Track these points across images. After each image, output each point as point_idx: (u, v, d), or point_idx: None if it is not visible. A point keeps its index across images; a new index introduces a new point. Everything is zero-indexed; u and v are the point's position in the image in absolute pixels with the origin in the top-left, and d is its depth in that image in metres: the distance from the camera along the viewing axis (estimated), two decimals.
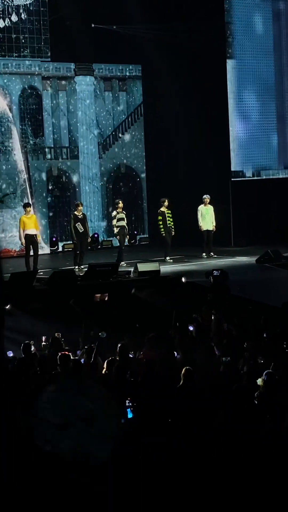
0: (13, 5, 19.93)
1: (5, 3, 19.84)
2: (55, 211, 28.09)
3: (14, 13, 20.08)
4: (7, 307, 16.00)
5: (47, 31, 26.77)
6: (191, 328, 14.06)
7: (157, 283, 18.54)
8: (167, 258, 22.35)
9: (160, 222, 22.67)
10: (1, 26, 21.15)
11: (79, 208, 21.97)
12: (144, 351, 12.37)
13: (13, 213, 26.06)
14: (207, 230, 23.15)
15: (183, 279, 18.54)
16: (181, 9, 25.83)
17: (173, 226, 22.55)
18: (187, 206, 24.03)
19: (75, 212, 21.86)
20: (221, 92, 26.52)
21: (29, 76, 27.14)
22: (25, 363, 11.21)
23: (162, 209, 22.73)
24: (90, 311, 16.34)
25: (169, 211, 22.71)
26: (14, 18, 20.13)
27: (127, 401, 8.52)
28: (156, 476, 6.01)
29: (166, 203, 22.71)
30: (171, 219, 22.66)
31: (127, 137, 30.07)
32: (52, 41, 26.88)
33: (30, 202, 24.96)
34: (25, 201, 25.37)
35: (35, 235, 21.10)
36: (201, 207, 23.24)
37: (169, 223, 22.59)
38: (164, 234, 22.58)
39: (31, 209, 21.65)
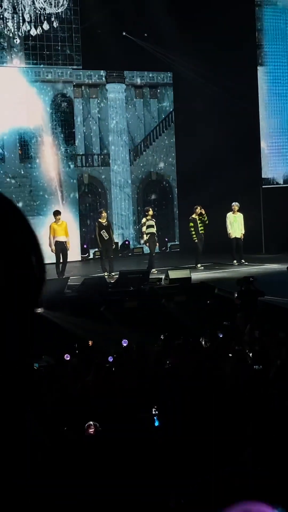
0: (45, 14, 20.02)
1: (37, 11, 19.94)
2: (86, 218, 28.18)
3: (46, 21, 20.16)
4: (39, 310, 16.07)
5: (79, 39, 26.91)
6: (221, 336, 14.02)
7: (188, 290, 18.50)
8: (199, 265, 22.32)
9: (192, 229, 22.65)
10: (33, 35, 21.26)
11: (103, 215, 22.02)
12: (171, 358, 12.35)
13: (45, 220, 26.18)
14: (236, 238, 23.08)
15: (216, 290, 18.46)
16: (212, 16, 25.80)
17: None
18: (218, 213, 23.98)
19: (100, 220, 21.92)
20: (252, 98, 26.47)
21: (60, 84, 27.28)
22: (57, 370, 11.24)
23: (194, 216, 22.72)
24: (120, 318, 16.36)
25: (204, 218, 22.66)
26: (46, 26, 20.22)
27: (153, 409, 8.51)
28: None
29: (198, 210, 22.69)
30: (203, 226, 22.64)
31: (158, 144, 30.11)
32: (84, 49, 27.02)
33: (61, 209, 25.05)
34: (56, 208, 25.49)
35: (65, 242, 21.17)
36: (230, 215, 23.20)
37: (201, 230, 22.57)
38: (196, 241, 22.56)
39: (61, 216, 21.72)
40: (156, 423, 8.34)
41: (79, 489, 5.11)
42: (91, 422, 7.58)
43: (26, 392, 1.36)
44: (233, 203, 23.27)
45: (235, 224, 23.14)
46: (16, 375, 1.31)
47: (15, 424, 1.35)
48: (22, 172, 26.65)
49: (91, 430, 7.45)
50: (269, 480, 6.00)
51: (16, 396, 1.34)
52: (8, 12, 19.97)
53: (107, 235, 21.57)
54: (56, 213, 21.70)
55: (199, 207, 22.75)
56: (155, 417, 8.35)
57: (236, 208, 23.22)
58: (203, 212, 22.67)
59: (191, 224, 22.75)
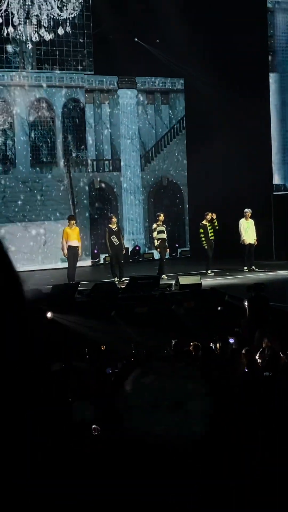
0: (58, 19, 20.08)
1: (49, 16, 19.99)
2: (97, 223, 28.20)
3: (58, 27, 20.22)
4: (48, 315, 16.10)
5: (91, 45, 26.97)
6: (231, 341, 14.00)
7: (199, 296, 18.47)
8: (209, 271, 22.29)
9: (202, 235, 22.62)
10: (46, 40, 21.32)
11: (113, 220, 22.01)
12: (181, 364, 12.33)
13: (55, 225, 26.24)
14: (250, 244, 23.01)
15: (226, 297, 18.42)
16: (224, 22, 25.81)
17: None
18: (229, 219, 23.94)
19: (110, 225, 21.92)
20: (263, 105, 26.46)
21: (72, 89, 27.34)
22: (65, 374, 11.23)
23: (204, 222, 22.70)
24: (131, 324, 16.35)
25: (215, 223, 22.63)
26: (58, 31, 20.28)
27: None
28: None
29: (208, 217, 22.67)
30: (213, 232, 22.60)
31: (169, 150, 30.12)
32: (96, 54, 27.08)
33: (73, 214, 25.08)
34: (67, 213, 25.54)
35: (78, 247, 21.20)
36: (243, 221, 23.10)
37: (211, 236, 22.54)
38: (206, 247, 22.53)
39: (75, 221, 21.75)
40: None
41: (79, 489, 5.10)
42: (95, 426, 7.54)
43: (27, 392, 1.35)
44: (246, 209, 23.16)
45: (249, 231, 23.06)
46: (16, 375, 1.31)
47: (15, 423, 1.34)
48: (33, 177, 26.70)
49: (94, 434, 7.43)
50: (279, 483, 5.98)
51: (16, 396, 1.33)
52: (21, 18, 20.02)
53: (117, 241, 21.57)
54: (71, 218, 21.74)
55: (210, 213, 22.72)
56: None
57: (249, 214, 23.13)
58: (214, 217, 22.64)
59: (201, 230, 22.71)
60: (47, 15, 19.93)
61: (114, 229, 21.74)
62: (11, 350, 1.31)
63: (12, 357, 1.31)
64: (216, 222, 22.69)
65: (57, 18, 20.07)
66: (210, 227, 22.63)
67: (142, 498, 5.27)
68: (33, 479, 1.45)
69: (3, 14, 19.55)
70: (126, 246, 25.18)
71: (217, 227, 22.68)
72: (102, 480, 5.63)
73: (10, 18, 19.84)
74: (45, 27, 20.18)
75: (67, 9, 19.87)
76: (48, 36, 20.47)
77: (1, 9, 19.45)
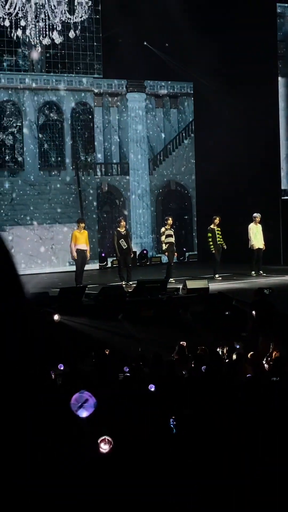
0: (67, 23, 20.11)
1: (58, 20, 20.02)
2: (105, 227, 28.22)
3: (67, 30, 20.25)
4: (55, 318, 16.11)
5: (100, 48, 27.01)
6: (238, 346, 13.98)
7: (206, 301, 18.46)
8: (216, 275, 22.27)
9: (210, 240, 22.60)
10: (55, 43, 21.36)
11: (122, 224, 22.01)
12: (188, 368, 12.32)
13: (63, 228, 26.28)
14: (259, 249, 22.96)
15: (234, 302, 18.40)
16: (233, 26, 25.82)
17: (223, 244, 22.45)
18: (237, 223, 23.92)
19: (118, 229, 21.92)
20: (272, 109, 26.44)
21: (81, 93, 27.38)
22: (71, 378, 11.22)
23: (212, 226, 22.69)
24: (138, 327, 16.34)
25: (219, 229, 22.64)
26: (68, 35, 20.30)
27: (171, 419, 8.48)
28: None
29: (216, 221, 22.66)
30: (221, 237, 22.58)
31: (177, 154, 30.13)
32: (105, 58, 27.11)
33: (81, 217, 25.11)
34: (75, 216, 25.58)
35: (86, 250, 21.22)
36: (252, 226, 23.04)
37: (219, 241, 22.52)
38: (213, 252, 22.51)
39: (84, 224, 21.80)
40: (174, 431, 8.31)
41: (79, 489, 5.10)
42: (106, 438, 7.38)
43: (27, 392, 1.35)
44: (255, 214, 23.09)
45: (258, 235, 23.02)
46: (16, 375, 1.31)
47: (15, 423, 1.34)
48: (42, 180, 26.74)
49: (106, 448, 7.26)
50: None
51: (16, 396, 1.33)
52: (30, 21, 20.06)
53: (125, 244, 21.56)
54: (80, 221, 21.77)
55: (218, 217, 22.71)
56: (172, 426, 8.32)
57: (258, 219, 23.06)
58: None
59: (209, 234, 22.70)
60: (57, 19, 19.96)
61: (123, 233, 21.74)
62: (11, 350, 1.31)
63: (11, 357, 1.31)
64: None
65: (67, 21, 20.10)
66: (218, 232, 22.61)
67: (142, 498, 5.26)
68: (33, 479, 1.45)
69: (12, 18, 19.59)
70: (133, 250, 25.20)
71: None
72: (102, 480, 5.63)
73: (19, 21, 19.87)
74: (54, 31, 20.21)
75: (76, 13, 19.91)
76: (57, 40, 20.51)
77: (11, 12, 19.49)
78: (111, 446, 7.20)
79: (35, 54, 26.06)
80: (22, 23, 19.39)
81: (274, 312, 16.66)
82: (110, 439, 7.31)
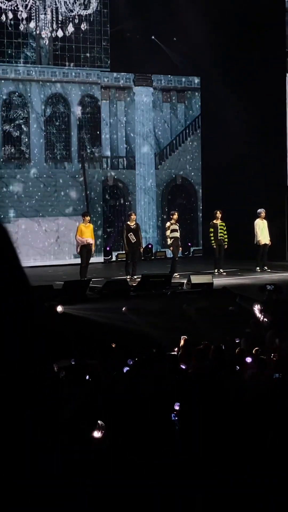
0: (75, 15, 20.09)
1: (66, 13, 20.01)
2: (110, 221, 28.21)
3: (75, 23, 20.23)
4: (59, 309, 16.12)
5: (108, 42, 26.97)
6: (242, 342, 13.98)
7: (210, 296, 18.45)
8: (216, 270, 22.22)
9: (212, 235, 22.60)
10: (62, 36, 21.34)
11: (132, 217, 21.98)
12: (192, 363, 12.32)
13: (69, 221, 26.28)
14: (265, 244, 22.92)
15: (237, 299, 18.38)
16: (241, 22, 25.77)
17: (226, 239, 22.43)
18: (242, 219, 23.89)
19: (128, 222, 21.89)
20: (279, 105, 26.41)
21: (88, 85, 27.36)
22: (77, 371, 11.24)
23: (215, 221, 22.68)
24: (142, 322, 16.35)
25: (223, 223, 22.61)
26: (75, 28, 20.28)
27: (173, 414, 8.48)
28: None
29: (218, 215, 22.65)
30: (225, 232, 22.55)
31: (183, 148, 30.09)
32: (112, 51, 27.08)
33: (87, 210, 25.11)
34: (80, 209, 25.59)
35: (91, 244, 21.23)
36: (259, 221, 22.98)
37: (220, 236, 22.48)
38: (215, 247, 22.49)
39: (89, 218, 21.80)
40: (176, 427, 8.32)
41: (79, 489, 5.10)
42: (100, 422, 7.38)
43: (27, 391, 1.34)
44: (261, 210, 23.04)
45: (264, 231, 22.98)
46: (16, 375, 1.30)
47: (15, 423, 1.33)
48: (48, 173, 26.73)
49: (99, 434, 7.28)
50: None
51: (16, 396, 1.33)
52: (37, 13, 20.05)
53: (134, 238, 21.52)
54: (85, 215, 21.78)
55: (219, 211, 22.70)
56: (175, 421, 8.32)
57: (263, 214, 23.03)
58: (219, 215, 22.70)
59: (211, 229, 22.70)
60: (65, 11, 19.95)
61: (132, 227, 21.69)
62: (11, 350, 1.30)
63: (11, 357, 1.30)
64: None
65: (75, 14, 20.09)
66: (222, 226, 22.59)
67: (142, 498, 5.26)
68: (33, 479, 1.45)
69: (20, 10, 19.58)
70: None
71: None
72: (102, 480, 5.63)
73: (27, 13, 19.86)
74: (62, 23, 20.20)
75: (84, 6, 19.89)
76: (65, 33, 20.50)
77: (17, 5, 19.47)
78: (103, 432, 7.20)
79: (42, 47, 26.04)
80: (31, 15, 19.39)
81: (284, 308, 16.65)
82: (102, 423, 7.30)
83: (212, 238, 22.53)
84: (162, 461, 6.34)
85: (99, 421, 7.26)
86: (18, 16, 19.92)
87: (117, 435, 7.28)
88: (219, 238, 22.45)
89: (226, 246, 22.37)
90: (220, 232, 22.52)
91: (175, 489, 5.71)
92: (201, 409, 8.79)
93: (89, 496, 5.08)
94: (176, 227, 22.10)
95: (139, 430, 7.27)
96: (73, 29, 20.13)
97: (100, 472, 5.95)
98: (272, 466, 6.46)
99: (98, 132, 27.61)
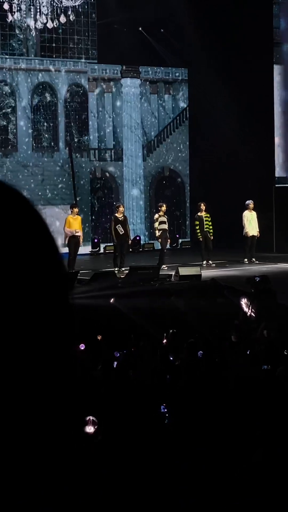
0: (62, 7, 20.00)
1: (54, 4, 19.92)
2: (98, 212, 28.16)
3: (62, 14, 20.15)
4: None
5: (95, 33, 26.89)
6: (231, 334, 13.97)
7: (198, 288, 18.45)
8: (204, 262, 22.25)
9: (197, 227, 22.64)
10: (50, 27, 21.25)
11: (120, 209, 21.97)
12: (181, 356, 12.32)
13: (56, 210, 26.18)
14: (252, 236, 22.97)
15: (225, 292, 18.36)
16: (229, 12, 25.73)
17: (211, 231, 22.48)
18: (230, 211, 23.91)
19: (116, 214, 21.88)
20: (267, 97, 26.42)
21: (75, 74, 27.26)
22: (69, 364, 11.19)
23: (200, 214, 22.72)
24: (129, 314, 16.32)
25: (208, 215, 22.65)
26: (62, 19, 20.20)
27: (162, 407, 8.46)
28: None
29: (202, 207, 22.71)
30: (210, 223, 22.59)
31: (171, 140, 30.06)
32: (100, 43, 27.00)
33: (74, 200, 25.10)
34: (67, 198, 25.57)
35: (79, 236, 21.24)
36: (246, 213, 23.03)
37: (206, 228, 22.52)
38: (201, 239, 22.54)
39: (77, 210, 21.80)
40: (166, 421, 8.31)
41: (79, 489, 5.09)
42: (91, 418, 7.34)
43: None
44: (249, 201, 23.08)
45: (252, 222, 23.03)
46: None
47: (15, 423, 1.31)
48: (34, 161, 26.65)
49: (91, 429, 7.23)
50: (279, 479, 5.97)
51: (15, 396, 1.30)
52: (25, 5, 19.96)
53: (122, 230, 21.50)
54: (73, 206, 21.80)
55: (203, 203, 22.76)
56: (165, 415, 8.31)
57: (252, 205, 23.08)
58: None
59: (197, 222, 22.76)
60: (52, 3, 19.87)
61: (120, 218, 21.68)
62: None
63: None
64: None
65: (62, 5, 20.02)
66: (207, 218, 22.62)
67: (142, 498, 5.25)
68: (33, 479, 1.43)
69: (7, 1, 19.49)
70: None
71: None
72: (102, 480, 5.61)
73: (14, 5, 19.77)
74: (49, 15, 20.12)
75: None
76: (52, 24, 20.42)
77: None
78: (95, 427, 7.17)
79: (29, 38, 25.94)
80: (19, 7, 19.30)
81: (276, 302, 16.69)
82: (95, 419, 7.27)
83: (198, 230, 22.58)
84: (153, 454, 6.33)
85: (90, 416, 7.23)
86: (4, 6, 19.83)
87: (109, 429, 7.26)
88: (205, 230, 22.49)
89: (212, 238, 22.44)
90: (206, 224, 22.57)
91: (167, 482, 5.71)
92: (191, 401, 8.79)
93: (83, 492, 5.07)
94: (164, 219, 22.11)
95: (130, 424, 7.26)
96: (65, 19, 20.06)
97: (94, 467, 5.93)
98: (261, 458, 6.46)
99: (85, 121, 27.51)
